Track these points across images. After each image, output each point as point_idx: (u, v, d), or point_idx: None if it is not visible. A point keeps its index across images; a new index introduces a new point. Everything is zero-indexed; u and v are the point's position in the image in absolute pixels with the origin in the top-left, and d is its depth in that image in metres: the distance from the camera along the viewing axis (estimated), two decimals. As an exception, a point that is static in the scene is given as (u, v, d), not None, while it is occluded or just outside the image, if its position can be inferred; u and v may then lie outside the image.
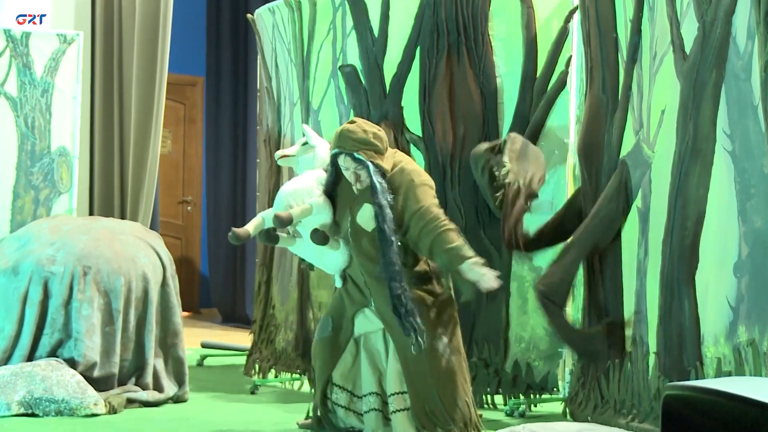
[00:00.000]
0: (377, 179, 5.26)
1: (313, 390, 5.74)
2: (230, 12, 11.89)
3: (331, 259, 5.55)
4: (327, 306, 5.81)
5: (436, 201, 5.32)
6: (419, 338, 5.19)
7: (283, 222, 5.35)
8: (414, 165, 5.46)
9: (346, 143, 5.30)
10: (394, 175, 5.31)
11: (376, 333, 5.46)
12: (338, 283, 5.61)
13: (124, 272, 6.48)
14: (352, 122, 5.39)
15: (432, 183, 5.38)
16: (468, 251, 5.13)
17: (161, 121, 9.08)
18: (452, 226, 5.21)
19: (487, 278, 5.10)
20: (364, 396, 5.48)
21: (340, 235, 5.47)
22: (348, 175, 5.35)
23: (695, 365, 5.02)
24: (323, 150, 5.64)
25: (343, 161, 5.32)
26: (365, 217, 5.34)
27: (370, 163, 5.27)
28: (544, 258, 6.48)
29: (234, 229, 5.44)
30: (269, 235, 5.53)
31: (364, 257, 5.38)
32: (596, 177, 5.89)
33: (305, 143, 5.69)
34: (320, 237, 5.44)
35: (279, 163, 5.89)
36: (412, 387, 5.32)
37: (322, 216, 5.45)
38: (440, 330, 5.34)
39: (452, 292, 5.48)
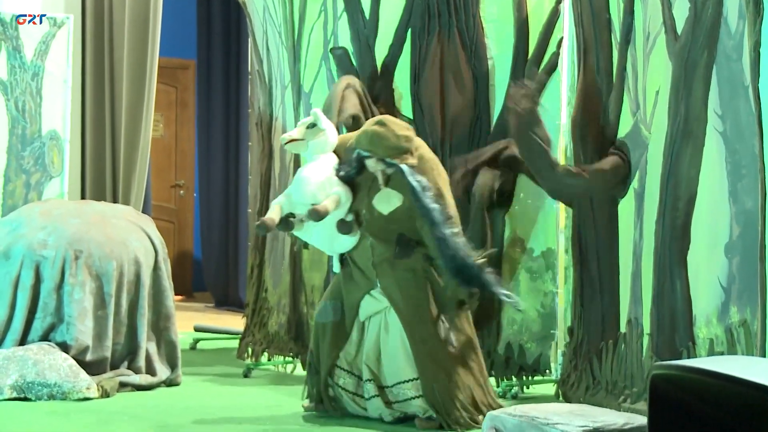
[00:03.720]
0: (415, 180, 5.38)
1: (309, 373, 5.78)
2: (221, -6, 11.84)
3: (341, 243, 5.64)
4: (327, 291, 5.85)
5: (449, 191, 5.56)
6: (499, 291, 5.40)
7: (321, 216, 5.41)
8: (430, 152, 5.64)
9: (377, 149, 5.43)
10: (419, 166, 5.46)
11: (377, 316, 5.53)
12: (336, 268, 5.66)
13: (116, 256, 6.47)
14: (382, 124, 5.47)
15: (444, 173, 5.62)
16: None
17: (152, 104, 9.05)
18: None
19: None
20: (365, 382, 5.53)
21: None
22: (375, 173, 5.51)
23: (687, 346, 5.03)
24: (333, 133, 5.67)
25: (374, 163, 5.46)
26: (383, 201, 5.51)
27: (405, 167, 5.39)
28: (537, 240, 6.49)
29: (263, 218, 5.54)
30: (287, 223, 5.61)
31: (379, 240, 5.52)
32: (592, 159, 5.87)
33: (312, 125, 5.68)
34: (347, 227, 5.56)
35: (287, 148, 5.88)
36: (422, 369, 5.41)
37: (347, 204, 5.57)
38: (443, 310, 5.53)
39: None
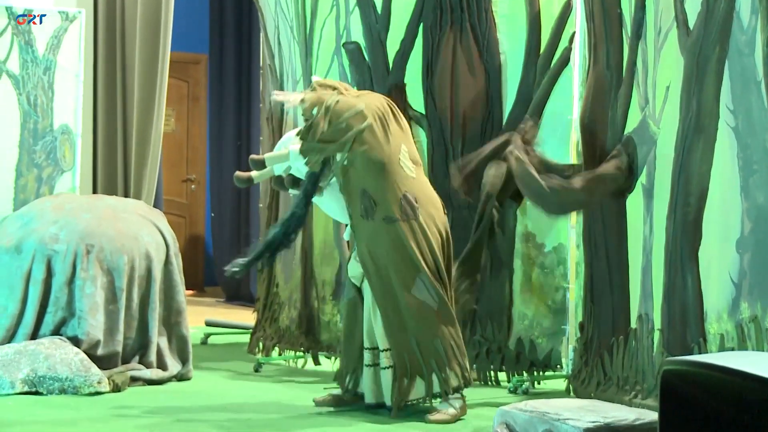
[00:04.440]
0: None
1: (339, 355, 5.86)
2: (233, -11, 11.85)
3: (326, 206, 5.87)
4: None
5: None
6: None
7: (256, 164, 5.79)
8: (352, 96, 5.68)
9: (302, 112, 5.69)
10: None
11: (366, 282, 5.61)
12: (347, 235, 5.80)
13: (127, 250, 6.48)
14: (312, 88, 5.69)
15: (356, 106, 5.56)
16: None
17: (164, 99, 9.05)
18: None
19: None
20: (382, 351, 5.55)
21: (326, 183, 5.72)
22: None
23: (698, 342, 5.02)
24: None
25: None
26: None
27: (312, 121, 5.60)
28: (548, 235, 6.49)
29: (237, 172, 5.88)
30: (279, 181, 5.88)
31: (349, 200, 5.58)
32: (600, 153, 5.86)
33: None
34: (278, 182, 5.87)
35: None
36: (392, 337, 5.44)
37: (301, 163, 5.65)
38: (417, 273, 5.45)
39: (446, 232, 5.62)
